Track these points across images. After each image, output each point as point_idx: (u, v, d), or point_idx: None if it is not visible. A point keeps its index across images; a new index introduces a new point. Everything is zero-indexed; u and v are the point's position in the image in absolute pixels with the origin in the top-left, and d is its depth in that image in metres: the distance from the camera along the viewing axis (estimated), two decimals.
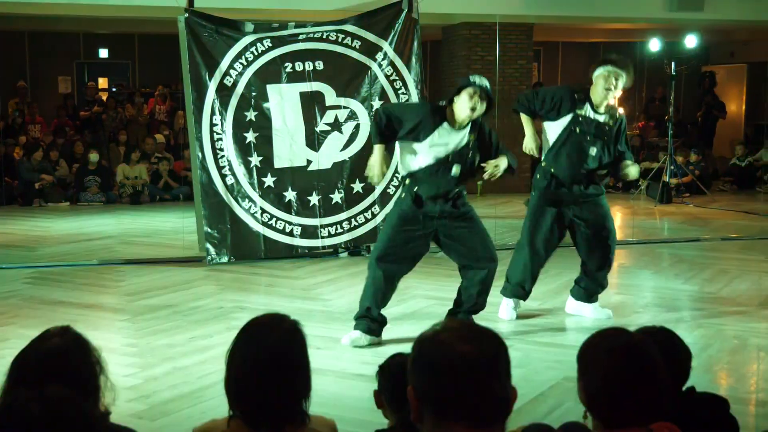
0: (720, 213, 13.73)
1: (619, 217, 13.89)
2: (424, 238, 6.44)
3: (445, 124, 6.22)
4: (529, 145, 7.13)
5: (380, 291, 6.38)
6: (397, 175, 9.67)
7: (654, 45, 16.19)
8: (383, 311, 6.52)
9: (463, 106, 6.13)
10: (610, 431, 2.48)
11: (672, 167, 15.04)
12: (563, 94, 7.02)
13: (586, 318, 7.21)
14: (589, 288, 7.22)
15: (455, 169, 6.25)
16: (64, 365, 2.57)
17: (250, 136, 9.32)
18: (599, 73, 7.00)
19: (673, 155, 15.16)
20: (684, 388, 3.31)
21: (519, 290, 7.28)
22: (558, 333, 6.81)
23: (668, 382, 2.57)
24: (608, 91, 6.97)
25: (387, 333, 6.75)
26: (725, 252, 10.42)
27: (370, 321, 6.45)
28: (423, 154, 6.23)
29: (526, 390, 5.32)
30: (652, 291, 8.55)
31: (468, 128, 6.26)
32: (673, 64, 15.24)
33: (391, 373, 3.21)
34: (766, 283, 8.61)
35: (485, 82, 6.20)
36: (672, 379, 2.93)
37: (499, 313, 7.22)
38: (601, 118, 6.98)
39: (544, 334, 6.79)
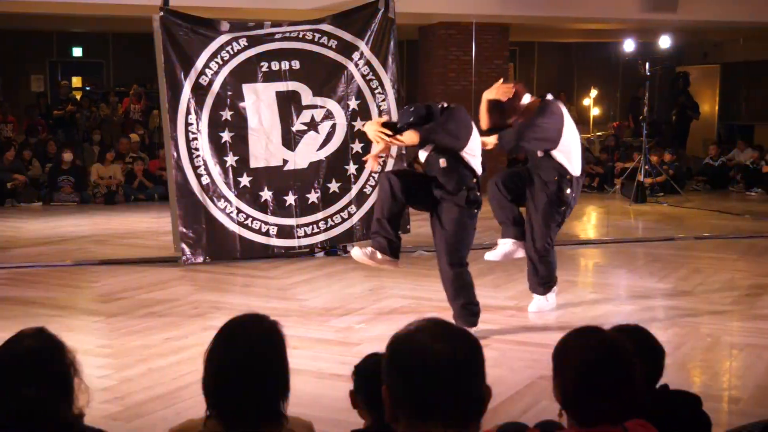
0: (694, 212, 13.82)
1: (593, 216, 13.95)
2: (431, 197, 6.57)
3: None
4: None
5: (387, 203, 6.47)
6: (373, 174, 9.69)
7: (628, 45, 16.30)
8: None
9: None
10: (585, 429, 2.49)
11: (646, 167, 15.13)
12: None
13: (559, 317, 7.24)
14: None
15: (441, 162, 6.46)
16: (38, 367, 2.55)
17: (226, 136, 9.29)
18: None
19: (647, 155, 15.24)
20: (658, 386, 3.33)
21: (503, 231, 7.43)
22: (533, 332, 6.82)
23: (642, 380, 2.59)
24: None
25: (362, 333, 6.76)
26: (699, 251, 10.49)
27: (382, 236, 6.53)
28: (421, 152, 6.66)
29: (502, 389, 5.33)
30: (626, 289, 8.59)
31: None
32: (647, 64, 15.33)
33: (366, 373, 3.21)
34: (739, 281, 8.68)
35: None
36: (646, 376, 2.95)
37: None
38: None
39: (520, 333, 6.81)
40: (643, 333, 3.39)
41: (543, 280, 7.33)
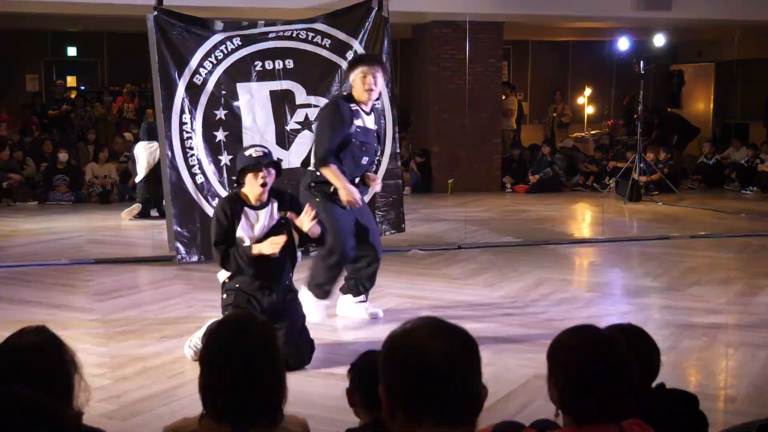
0: (689, 211, 13.83)
1: (588, 215, 13.97)
2: None
3: (246, 208, 5.88)
4: (348, 197, 6.69)
5: None
6: None
7: (623, 44, 16.30)
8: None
9: (252, 185, 5.81)
10: (581, 428, 2.49)
11: (641, 165, 15.13)
12: (342, 112, 6.77)
13: (554, 316, 7.24)
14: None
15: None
16: (38, 363, 2.56)
17: (220, 135, 9.27)
18: (355, 75, 6.76)
19: (642, 153, 15.25)
20: (654, 385, 3.33)
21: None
22: (529, 330, 6.82)
23: (638, 379, 2.59)
24: (370, 91, 6.75)
25: (359, 331, 6.77)
26: (694, 250, 10.50)
27: None
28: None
29: (497, 388, 5.33)
30: (621, 288, 8.60)
31: (270, 205, 5.93)
32: (641, 62, 15.34)
33: (364, 371, 3.20)
34: (734, 280, 8.69)
35: (263, 151, 5.85)
36: (642, 375, 2.95)
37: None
38: (371, 123, 6.86)
39: (515, 331, 6.80)
40: (638, 332, 3.39)
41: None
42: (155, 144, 12.50)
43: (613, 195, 15.56)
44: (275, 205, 5.94)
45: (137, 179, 13.21)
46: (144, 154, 12.98)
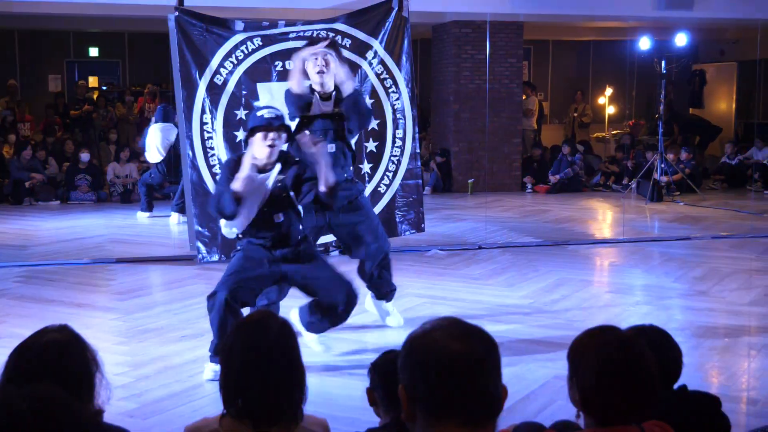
0: (710, 211, 13.75)
1: (609, 215, 13.92)
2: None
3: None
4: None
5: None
6: (387, 173, 9.68)
7: (644, 43, 16.22)
8: None
9: (260, 146, 5.57)
10: (601, 429, 2.49)
11: (662, 165, 15.06)
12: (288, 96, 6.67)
13: (574, 316, 7.22)
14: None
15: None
16: (60, 361, 2.59)
17: (241, 135, 9.30)
18: (307, 60, 6.58)
19: (663, 153, 15.17)
20: (676, 387, 3.32)
21: None
22: (549, 331, 6.80)
23: (660, 380, 2.58)
24: (321, 74, 6.53)
25: (378, 332, 6.77)
26: (716, 250, 10.44)
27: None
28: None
29: (517, 388, 5.33)
30: (642, 289, 8.56)
31: (271, 172, 5.67)
32: (663, 62, 15.26)
33: (384, 371, 3.20)
34: (756, 281, 8.63)
35: (275, 113, 5.60)
36: (663, 377, 2.94)
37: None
38: (328, 108, 6.58)
39: (535, 332, 6.79)
40: (660, 333, 3.37)
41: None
42: (165, 125, 12.57)
43: (634, 195, 15.49)
44: (276, 171, 5.65)
45: (154, 160, 13.04)
46: (159, 135, 12.79)
